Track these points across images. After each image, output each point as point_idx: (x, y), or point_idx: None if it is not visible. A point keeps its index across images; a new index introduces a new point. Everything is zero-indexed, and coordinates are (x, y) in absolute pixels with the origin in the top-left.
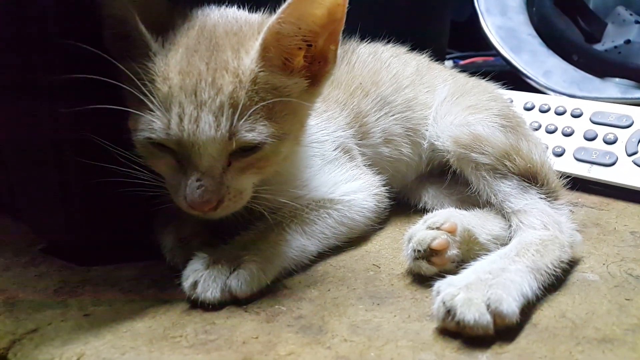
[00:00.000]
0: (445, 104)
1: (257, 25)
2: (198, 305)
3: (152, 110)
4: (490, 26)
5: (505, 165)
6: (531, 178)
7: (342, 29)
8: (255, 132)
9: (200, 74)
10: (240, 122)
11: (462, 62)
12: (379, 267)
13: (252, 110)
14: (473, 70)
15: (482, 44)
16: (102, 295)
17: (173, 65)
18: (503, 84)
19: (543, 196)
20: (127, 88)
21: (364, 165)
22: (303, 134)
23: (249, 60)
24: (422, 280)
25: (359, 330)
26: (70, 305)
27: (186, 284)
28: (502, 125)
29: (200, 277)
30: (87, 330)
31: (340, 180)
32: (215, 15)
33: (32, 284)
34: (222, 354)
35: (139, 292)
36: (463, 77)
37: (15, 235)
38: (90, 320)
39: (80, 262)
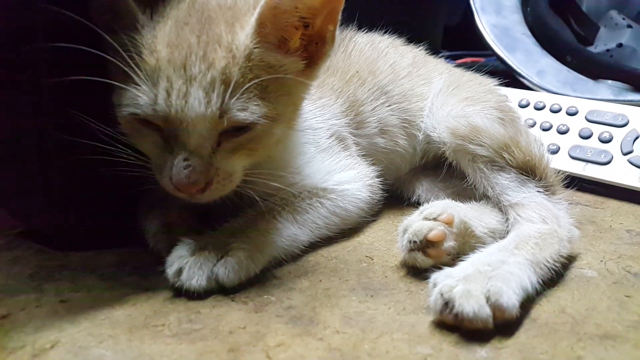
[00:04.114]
0: (441, 96)
1: (253, 0)
2: (182, 293)
3: (138, 84)
4: (485, 24)
5: (504, 157)
6: (529, 171)
7: (342, 8)
8: (247, 111)
9: (190, 48)
10: (232, 100)
11: (456, 62)
12: (372, 259)
13: (245, 87)
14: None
15: (472, 46)
16: (80, 281)
17: (161, 38)
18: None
19: (541, 190)
20: (113, 60)
21: (358, 155)
22: (297, 118)
23: (243, 35)
24: (417, 273)
25: (352, 322)
26: (46, 291)
27: (170, 270)
28: (499, 118)
29: (186, 263)
30: (63, 317)
31: (334, 169)
32: None
33: (5, 268)
34: (207, 344)
35: (119, 278)
36: (459, 71)
37: None
38: (67, 307)
39: (59, 247)
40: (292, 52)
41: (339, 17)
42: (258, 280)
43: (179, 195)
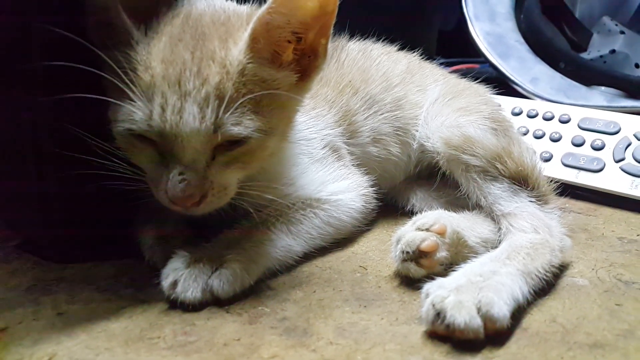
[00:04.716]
0: (436, 105)
1: (246, 15)
2: (177, 305)
3: (133, 100)
4: (479, 32)
5: (496, 167)
6: (522, 181)
7: (334, 22)
8: (241, 125)
9: (184, 63)
10: (227, 115)
11: (450, 69)
12: (366, 269)
13: (239, 102)
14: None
15: (467, 53)
16: (78, 294)
17: (155, 54)
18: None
19: (533, 200)
20: (108, 77)
21: (352, 164)
22: (291, 130)
23: (237, 50)
24: (410, 283)
25: (345, 333)
26: (44, 304)
27: (165, 283)
28: (492, 128)
29: (181, 276)
30: (60, 330)
31: (328, 180)
32: (201, 4)
33: (3, 281)
34: (202, 356)
35: (115, 291)
36: (454, 78)
37: None
38: (64, 320)
39: (56, 260)
40: (284, 66)
41: (331, 31)
42: (252, 292)
43: (174, 209)
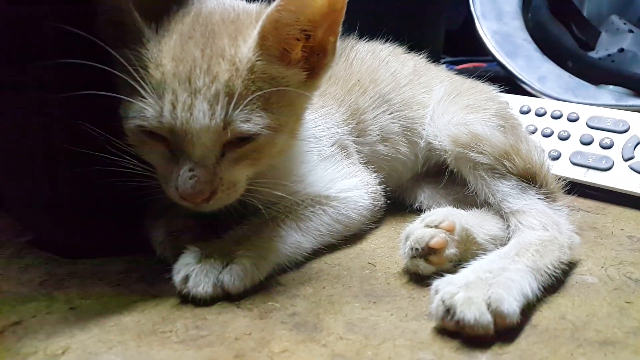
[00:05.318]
0: (442, 103)
1: (255, 13)
2: (189, 300)
3: (144, 97)
4: (486, 31)
5: (504, 165)
6: (530, 179)
7: (342, 20)
8: (251, 122)
9: (194, 61)
10: (236, 112)
11: (457, 67)
12: (375, 266)
13: (248, 99)
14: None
15: (474, 51)
16: (90, 289)
17: (166, 52)
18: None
19: (542, 197)
20: (119, 75)
21: (361, 163)
22: (299, 127)
23: (246, 48)
24: (419, 280)
25: (355, 328)
26: (56, 298)
27: (177, 278)
28: (500, 125)
29: (192, 271)
30: (73, 324)
31: (337, 177)
32: (211, 3)
33: (16, 276)
34: (213, 350)
35: (127, 286)
36: (460, 78)
37: None
38: (77, 314)
39: (68, 255)
40: (293, 63)
41: (340, 29)
42: (263, 287)
43: (184, 205)
